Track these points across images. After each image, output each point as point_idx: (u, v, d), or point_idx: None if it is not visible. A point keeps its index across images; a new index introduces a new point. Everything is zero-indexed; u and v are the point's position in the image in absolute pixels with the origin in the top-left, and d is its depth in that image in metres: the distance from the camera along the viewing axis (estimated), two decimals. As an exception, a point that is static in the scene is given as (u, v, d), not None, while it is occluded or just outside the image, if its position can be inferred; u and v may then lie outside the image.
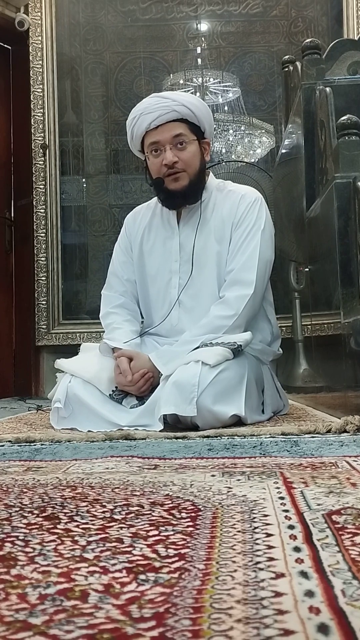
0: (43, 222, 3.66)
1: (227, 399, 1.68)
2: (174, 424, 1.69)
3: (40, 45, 3.70)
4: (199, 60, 3.81)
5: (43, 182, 3.67)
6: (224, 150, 3.84)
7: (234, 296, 1.85)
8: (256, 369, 1.88)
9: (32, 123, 3.69)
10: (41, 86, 3.69)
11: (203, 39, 3.83)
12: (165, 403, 1.65)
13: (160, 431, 1.63)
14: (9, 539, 0.65)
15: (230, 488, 0.87)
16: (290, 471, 0.99)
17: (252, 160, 3.75)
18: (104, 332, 2.06)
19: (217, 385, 1.66)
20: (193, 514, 0.73)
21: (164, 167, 1.88)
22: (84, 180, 3.84)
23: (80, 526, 0.69)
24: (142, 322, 2.08)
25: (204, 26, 3.84)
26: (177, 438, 1.52)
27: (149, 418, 1.71)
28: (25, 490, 0.90)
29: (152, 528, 0.68)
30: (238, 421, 1.72)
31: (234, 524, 0.68)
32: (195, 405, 1.61)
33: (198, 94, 3.74)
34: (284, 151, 2.89)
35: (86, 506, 0.79)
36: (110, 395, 1.81)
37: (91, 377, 1.83)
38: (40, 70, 3.70)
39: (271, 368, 2.03)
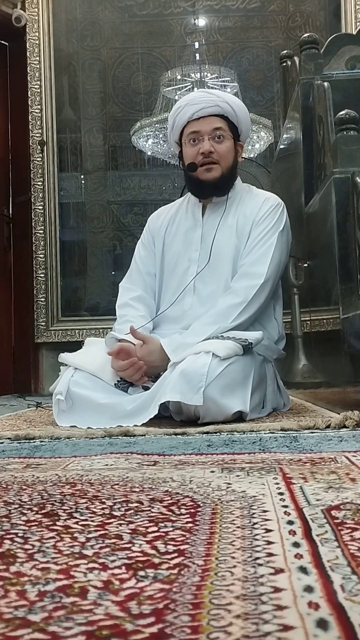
0: (41, 219, 3.66)
1: (233, 393, 1.69)
2: (177, 412, 1.70)
3: (37, 42, 3.69)
4: (197, 56, 3.81)
5: (41, 179, 3.66)
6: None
7: (243, 286, 1.90)
8: (260, 367, 1.89)
9: (30, 119, 3.68)
10: (39, 82, 3.68)
11: (201, 34, 3.82)
12: (171, 390, 1.65)
13: (159, 428, 1.63)
14: (8, 536, 0.65)
15: (229, 484, 0.87)
16: (289, 467, 0.99)
17: (251, 156, 3.74)
18: (103, 329, 2.07)
19: (225, 378, 1.67)
20: (192, 510, 0.73)
21: (199, 156, 1.96)
22: (82, 176, 3.84)
23: (80, 523, 0.69)
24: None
25: (201, 21, 3.83)
26: (176, 434, 1.52)
27: (148, 407, 1.71)
28: (24, 487, 0.90)
29: (151, 524, 0.68)
30: (238, 417, 1.72)
31: (233, 520, 0.68)
32: (202, 395, 1.62)
33: (196, 89, 3.73)
34: (282, 146, 2.88)
35: (85, 503, 0.79)
36: (115, 384, 1.82)
37: (95, 369, 1.84)
38: (38, 66, 3.69)
39: (275, 366, 2.04)
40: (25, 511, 0.75)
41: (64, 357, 1.93)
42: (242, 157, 2.13)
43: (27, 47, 3.69)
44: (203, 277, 1.97)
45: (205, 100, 1.96)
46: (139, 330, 1.88)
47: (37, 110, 3.68)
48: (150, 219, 2.20)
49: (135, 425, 1.67)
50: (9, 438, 1.52)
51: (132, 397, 1.78)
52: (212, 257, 1.97)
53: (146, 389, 1.80)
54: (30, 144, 3.67)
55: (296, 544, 0.59)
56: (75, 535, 0.65)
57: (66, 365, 1.90)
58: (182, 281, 2.01)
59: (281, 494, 0.80)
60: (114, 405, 1.75)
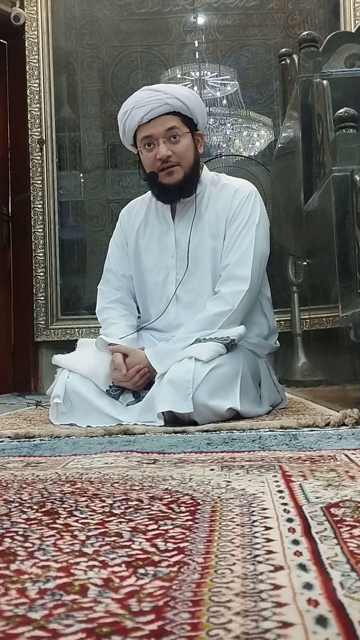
0: (41, 218, 3.66)
1: (222, 393, 1.68)
2: (172, 421, 1.70)
3: (36, 40, 3.69)
4: (197, 54, 3.80)
5: (40, 178, 3.66)
6: (224, 145, 3.83)
7: (229, 292, 1.85)
8: (252, 362, 1.88)
9: (29, 118, 3.68)
10: (37, 81, 3.68)
11: (200, 32, 3.81)
12: (161, 401, 1.65)
13: (160, 426, 1.63)
14: (8, 534, 0.65)
15: (229, 482, 0.87)
16: (289, 464, 0.99)
17: (252, 154, 3.75)
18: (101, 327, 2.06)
19: (212, 380, 1.66)
20: (192, 508, 0.73)
21: (157, 161, 1.86)
22: (81, 175, 3.84)
23: (80, 521, 0.70)
24: (139, 317, 2.08)
25: (200, 19, 3.82)
26: (176, 432, 1.52)
27: (148, 415, 1.71)
28: (24, 485, 0.90)
29: (151, 522, 0.68)
30: (237, 415, 1.72)
31: (233, 518, 0.68)
32: (191, 401, 1.61)
33: (196, 87, 3.73)
34: (281, 145, 2.88)
35: (85, 501, 0.79)
36: (107, 391, 1.81)
37: (88, 372, 1.83)
38: (37, 64, 3.68)
39: (268, 361, 2.03)
40: (25, 509, 0.75)
41: (57, 359, 1.91)
42: (203, 147, 1.98)
43: (26, 45, 3.68)
44: (184, 285, 1.93)
45: (152, 100, 1.83)
46: (122, 342, 1.86)
47: (36, 109, 3.68)
48: (122, 215, 2.13)
49: (135, 424, 1.67)
50: (8, 437, 1.52)
51: (125, 410, 1.77)
52: (190, 263, 1.92)
53: (136, 396, 1.80)
54: (29, 142, 3.67)
55: (295, 542, 0.59)
56: (75, 533, 0.65)
57: (61, 367, 1.90)
58: (163, 291, 1.97)
59: (280, 491, 0.80)
60: (109, 414, 1.75)
